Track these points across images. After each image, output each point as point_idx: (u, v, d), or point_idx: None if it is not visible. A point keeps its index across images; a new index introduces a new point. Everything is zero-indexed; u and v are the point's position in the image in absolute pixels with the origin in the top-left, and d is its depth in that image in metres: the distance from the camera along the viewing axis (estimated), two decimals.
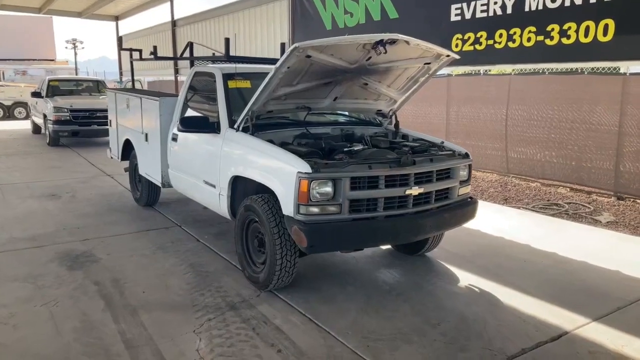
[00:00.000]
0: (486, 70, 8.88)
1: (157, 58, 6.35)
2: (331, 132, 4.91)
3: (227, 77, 4.88)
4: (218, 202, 4.67)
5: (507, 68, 8.10)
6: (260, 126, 4.46)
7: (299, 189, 3.59)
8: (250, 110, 4.25)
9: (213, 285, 4.28)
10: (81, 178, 9.02)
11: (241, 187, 4.43)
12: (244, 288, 4.21)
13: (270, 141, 4.31)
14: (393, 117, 5.27)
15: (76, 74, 30.82)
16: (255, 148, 4.15)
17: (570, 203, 7.47)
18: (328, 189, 3.64)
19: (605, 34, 5.67)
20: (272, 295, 4.08)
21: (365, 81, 4.62)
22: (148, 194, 6.66)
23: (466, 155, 4.48)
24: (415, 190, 3.92)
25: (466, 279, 4.53)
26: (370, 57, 4.19)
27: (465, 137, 9.70)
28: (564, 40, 6.03)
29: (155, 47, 6.26)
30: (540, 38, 6.30)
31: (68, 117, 12.81)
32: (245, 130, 4.34)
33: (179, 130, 4.55)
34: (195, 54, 6.05)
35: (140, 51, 6.61)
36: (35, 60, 35.16)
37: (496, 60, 7.01)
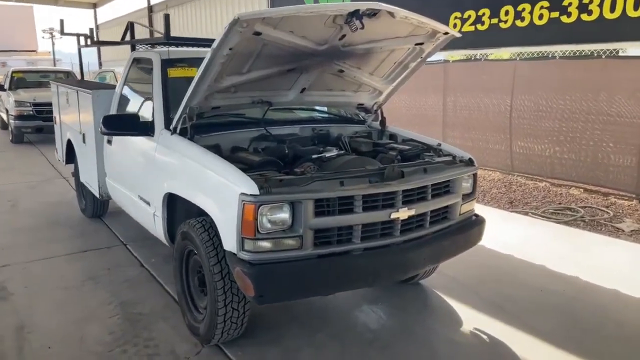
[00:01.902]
0: (486, 55, 7.87)
1: (96, 43, 5.32)
2: (299, 132, 3.90)
3: (167, 63, 3.85)
4: (153, 223, 3.67)
5: (513, 52, 7.08)
6: (205, 127, 3.45)
7: (243, 216, 2.58)
8: (188, 107, 3.23)
9: (142, 335, 3.29)
10: (32, 182, 7.98)
11: (181, 207, 3.42)
12: (181, 341, 3.22)
13: (217, 147, 3.32)
14: (378, 112, 4.25)
15: (54, 65, 29.51)
16: (189, 157, 3.14)
17: (585, 207, 6.51)
18: (284, 215, 2.64)
19: (637, 7, 4.67)
20: (218, 351, 3.10)
21: (341, 67, 3.59)
22: (94, 204, 5.64)
23: (470, 162, 3.49)
24: (403, 213, 2.92)
25: (469, 318, 3.55)
26: (344, 36, 3.17)
27: (464, 130, 8.72)
28: (585, 17, 5.03)
29: (91, 30, 5.22)
30: (555, 15, 5.30)
31: (31, 112, 11.71)
32: (183, 132, 3.32)
33: (102, 132, 3.54)
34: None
35: (85, 36, 5.55)
36: (16, 51, 33.79)
37: (501, 42, 6.00)
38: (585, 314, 3.62)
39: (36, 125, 11.69)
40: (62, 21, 5.64)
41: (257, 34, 2.85)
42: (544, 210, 6.46)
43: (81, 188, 5.88)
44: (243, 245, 2.62)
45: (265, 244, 2.63)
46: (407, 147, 3.75)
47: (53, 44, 33.35)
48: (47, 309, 3.70)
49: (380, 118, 4.23)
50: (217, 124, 3.60)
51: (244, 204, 2.57)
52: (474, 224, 3.49)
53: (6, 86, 12.83)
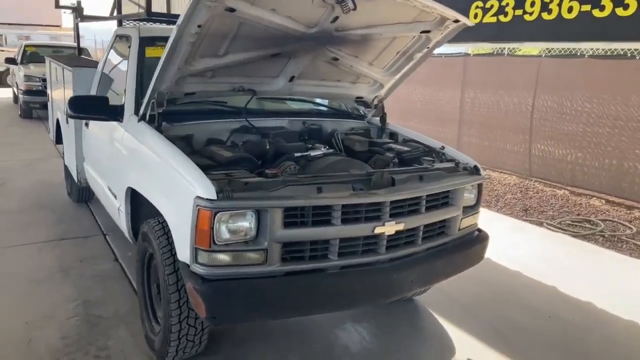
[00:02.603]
0: (512, 50, 7.33)
1: (84, 18, 4.98)
2: (288, 126, 3.51)
3: (146, 41, 3.48)
4: (119, 218, 3.33)
5: (538, 47, 6.55)
6: (179, 115, 3.09)
7: (197, 224, 2.21)
8: (156, 91, 2.85)
9: (97, 343, 2.97)
10: (30, 159, 7.76)
11: (146, 203, 3.06)
12: (137, 353, 2.89)
13: (188, 138, 2.95)
14: (379, 107, 3.82)
15: (75, 41, 29.44)
16: (150, 147, 2.78)
17: (606, 220, 5.99)
18: (246, 224, 2.27)
19: None
20: None
21: (335, 55, 3.18)
22: (78, 189, 5.34)
23: (475, 170, 3.05)
24: (390, 227, 2.52)
25: (463, 346, 3.15)
26: (336, 18, 2.76)
27: (481, 128, 8.23)
28: (620, 11, 4.50)
29: (78, 3, 4.88)
30: (586, 8, 4.77)
31: (40, 87, 11.47)
32: (153, 120, 2.95)
33: (68, 115, 3.21)
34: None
35: (75, 9, 5.21)
36: (40, 25, 33.83)
37: (525, 37, 5.47)
38: (597, 349, 3.19)
39: (44, 101, 11.47)
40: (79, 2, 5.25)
41: (231, 10, 2.45)
42: (561, 221, 5.97)
43: (68, 170, 5.60)
44: (196, 257, 2.25)
45: (223, 257, 2.26)
46: (406, 149, 3.33)
47: (75, 19, 33.12)
48: (5, 304, 3.41)
49: (381, 114, 3.81)
50: (194, 112, 3.23)
51: (198, 209, 2.20)
52: (475, 241, 3.07)
53: (18, 60, 12.65)
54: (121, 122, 3.22)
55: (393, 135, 3.74)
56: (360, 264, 2.51)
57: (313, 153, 2.99)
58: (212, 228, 2.19)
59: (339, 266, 2.46)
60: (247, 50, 2.88)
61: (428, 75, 8.87)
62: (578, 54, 6.64)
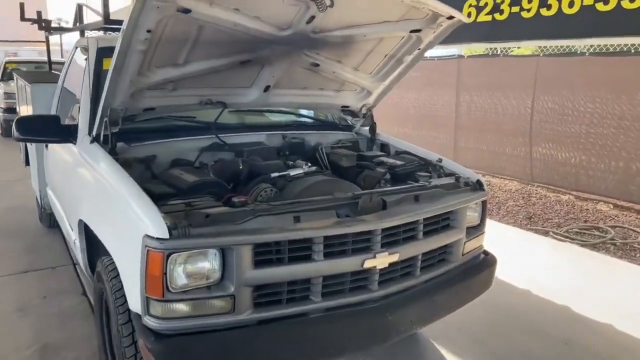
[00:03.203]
0: (506, 50, 6.99)
1: (45, 29, 4.62)
2: (266, 140, 3.13)
3: (103, 52, 3.10)
4: (77, 252, 2.94)
5: (536, 46, 6.22)
6: (139, 133, 2.72)
7: (147, 269, 1.83)
8: (108, 108, 2.47)
9: None
10: (4, 180, 7.35)
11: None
12: None
13: (149, 160, 2.57)
14: (368, 116, 3.45)
15: (62, 57, 29.04)
16: (100, 174, 2.40)
17: (615, 226, 5.62)
18: (207, 266, 1.88)
19: None
20: None
21: (314, 60, 2.81)
22: (50, 212, 4.94)
23: (478, 186, 2.68)
24: (383, 260, 2.14)
25: None
26: (312, 18, 2.39)
27: (478, 133, 7.89)
28: (626, 4, 4.19)
29: (39, 13, 4.51)
30: (589, 1, 4.46)
31: None
32: (107, 140, 2.57)
33: (14, 137, 2.82)
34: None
35: (37, 21, 4.84)
36: (27, 42, 33.43)
37: (523, 35, 5.16)
38: None
39: None
40: (22, 5, 4.92)
41: (185, 11, 2.08)
42: (568, 229, 5.60)
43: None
44: (148, 308, 1.86)
45: (181, 307, 1.87)
46: (399, 162, 2.96)
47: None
48: None
49: (370, 124, 3.44)
50: (158, 130, 2.85)
51: (147, 251, 1.81)
52: (482, 267, 2.69)
53: None
54: (74, 143, 2.84)
55: (384, 147, 3.37)
56: (349, 304, 2.13)
57: (293, 172, 2.62)
58: (165, 273, 1.81)
59: (323, 309, 2.08)
60: (212, 58, 2.51)
61: (421, 80, 8.57)
62: (578, 51, 6.31)
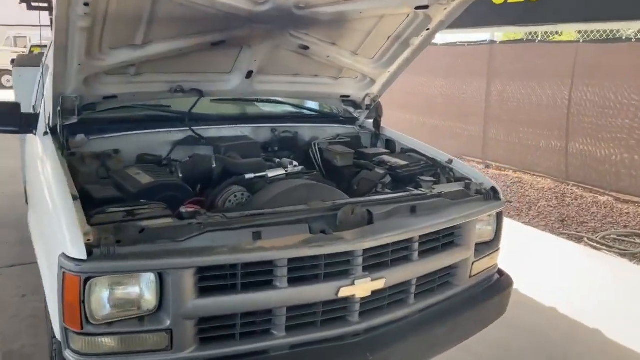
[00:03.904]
0: (546, 34, 6.37)
1: (33, 8, 4.37)
2: (252, 135, 2.75)
3: None
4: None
5: (575, 29, 5.61)
6: (102, 123, 2.39)
7: (63, 294, 1.49)
8: (60, 96, 2.15)
9: None
10: (11, 167, 7.23)
11: None
12: None
13: (105, 156, 2.24)
14: (373, 107, 3.02)
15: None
16: (42, 172, 2.08)
17: None
18: (139, 293, 1.53)
19: None
20: None
21: (303, 42, 2.40)
22: None
23: (493, 195, 2.24)
24: (364, 286, 1.74)
25: None
26: None
27: (510, 125, 7.36)
28: None
29: None
30: None
31: None
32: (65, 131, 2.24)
33: None
34: None
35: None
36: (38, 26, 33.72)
37: (561, 17, 4.60)
38: None
39: None
40: None
41: None
42: (605, 235, 5.05)
43: None
44: (68, 340, 1.53)
45: (106, 342, 1.53)
46: (403, 163, 2.55)
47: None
48: None
49: (375, 117, 3.01)
50: (126, 121, 2.51)
51: (63, 273, 1.47)
52: (494, 291, 2.26)
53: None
54: (34, 134, 2.53)
55: (390, 144, 2.95)
56: (321, 340, 1.74)
57: (272, 173, 2.24)
58: (83, 301, 1.47)
59: (288, 345, 1.71)
60: (176, 38, 2.14)
61: (449, 67, 8.04)
62: (623, 36, 5.67)
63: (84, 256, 1.44)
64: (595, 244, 4.82)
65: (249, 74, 2.50)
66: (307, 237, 1.69)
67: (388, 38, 2.52)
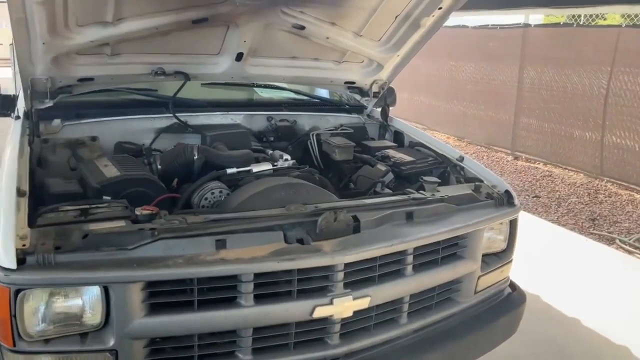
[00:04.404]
0: (588, 18, 5.90)
1: None
2: (245, 122, 2.53)
3: None
4: None
5: (618, 12, 5.15)
6: (85, 108, 2.22)
7: None
8: (29, 77, 1.97)
9: None
10: None
11: None
12: None
13: (80, 143, 2.06)
14: (383, 94, 2.75)
15: None
16: (4, 163, 1.91)
17: None
18: (77, 303, 1.35)
19: None
20: None
21: (297, 21, 2.15)
22: None
23: (507, 199, 1.96)
24: (343, 306, 1.51)
25: None
26: None
27: (542, 115, 6.97)
28: None
29: None
30: None
31: None
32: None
33: None
34: None
35: None
36: None
37: None
38: None
39: None
40: None
41: None
42: (639, 237, 4.67)
43: None
44: (2, 357, 1.36)
45: None
46: (409, 159, 2.29)
47: None
48: None
49: (382, 105, 2.74)
50: (109, 105, 2.33)
51: None
52: (504, 308, 1.99)
53: None
54: (11, 117, 2.37)
55: (398, 136, 2.68)
56: None
57: (257, 168, 2.02)
58: (14, 316, 1.29)
59: None
60: (151, 15, 1.91)
61: (480, 51, 7.62)
62: None
63: (13, 265, 1.26)
64: (627, 247, 4.46)
65: (239, 56, 2.27)
66: (280, 248, 1.46)
67: (395, 18, 2.24)
